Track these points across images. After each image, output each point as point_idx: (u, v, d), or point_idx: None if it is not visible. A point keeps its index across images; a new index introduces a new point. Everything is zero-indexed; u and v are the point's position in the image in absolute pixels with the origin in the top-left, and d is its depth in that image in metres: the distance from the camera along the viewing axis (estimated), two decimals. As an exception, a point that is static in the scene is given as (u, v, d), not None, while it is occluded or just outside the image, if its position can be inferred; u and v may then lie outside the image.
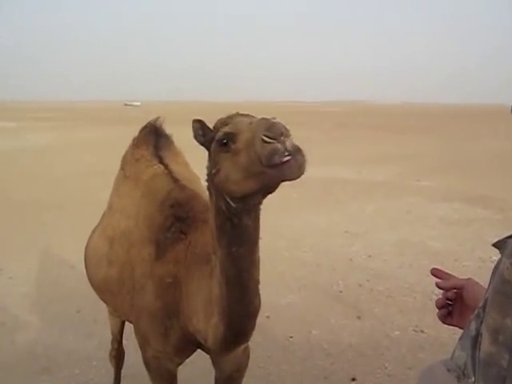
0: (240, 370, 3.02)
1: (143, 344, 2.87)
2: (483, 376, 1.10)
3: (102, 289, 3.31)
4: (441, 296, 1.68)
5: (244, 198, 2.08)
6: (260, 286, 2.36)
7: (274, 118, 1.96)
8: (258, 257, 2.30)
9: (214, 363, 3.03)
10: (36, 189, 13.19)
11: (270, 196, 2.13)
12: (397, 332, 5.37)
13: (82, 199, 11.66)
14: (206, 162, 2.28)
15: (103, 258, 3.19)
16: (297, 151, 1.84)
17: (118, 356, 4.17)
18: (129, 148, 3.52)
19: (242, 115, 2.23)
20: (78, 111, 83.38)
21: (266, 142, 1.84)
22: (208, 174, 2.24)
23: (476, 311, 1.18)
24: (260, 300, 2.39)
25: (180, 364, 2.97)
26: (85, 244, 3.63)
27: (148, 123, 3.57)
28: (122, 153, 3.58)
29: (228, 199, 2.12)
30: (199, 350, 2.88)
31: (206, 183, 2.29)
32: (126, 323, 3.75)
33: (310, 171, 1.95)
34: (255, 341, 4.74)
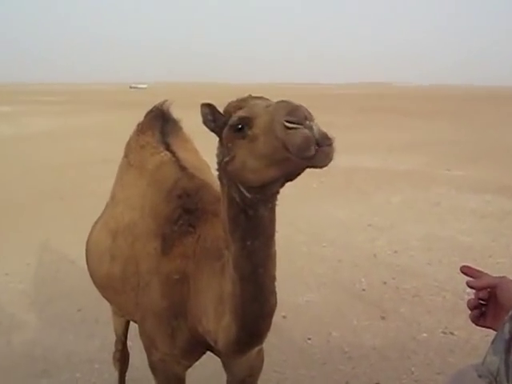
0: (253, 374, 3.02)
1: (149, 346, 2.88)
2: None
3: (105, 286, 3.32)
4: (473, 296, 1.66)
5: (262, 187, 2.07)
6: (276, 284, 2.36)
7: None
8: (275, 251, 2.29)
9: (226, 367, 3.04)
10: (34, 178, 13.27)
11: (287, 185, 2.12)
12: (424, 334, 5.34)
13: (83, 189, 11.73)
14: (217, 149, 2.27)
15: (105, 252, 3.19)
16: (325, 137, 1.83)
17: (122, 358, 4.19)
18: (133, 134, 3.52)
19: (256, 98, 2.21)
20: (79, 94, 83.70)
21: (288, 127, 1.82)
22: (219, 163, 2.23)
23: (510, 312, 1.17)
24: (276, 298, 2.39)
25: (188, 367, 2.98)
26: (86, 238, 3.64)
27: (154, 107, 3.57)
28: (127, 139, 3.59)
29: (242, 189, 2.11)
30: (209, 353, 2.88)
31: (217, 172, 2.28)
32: (131, 323, 3.76)
33: (331, 159, 1.93)
34: (270, 342, 4.74)
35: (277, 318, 2.50)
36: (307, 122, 1.82)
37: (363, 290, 6.45)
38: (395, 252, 7.77)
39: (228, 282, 2.33)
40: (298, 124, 1.81)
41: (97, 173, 12.67)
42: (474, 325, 1.67)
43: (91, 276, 3.50)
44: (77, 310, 5.92)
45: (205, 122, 2.26)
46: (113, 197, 3.48)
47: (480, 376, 1.18)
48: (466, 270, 1.71)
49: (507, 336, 1.14)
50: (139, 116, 3.63)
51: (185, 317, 2.64)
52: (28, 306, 6.12)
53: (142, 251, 2.86)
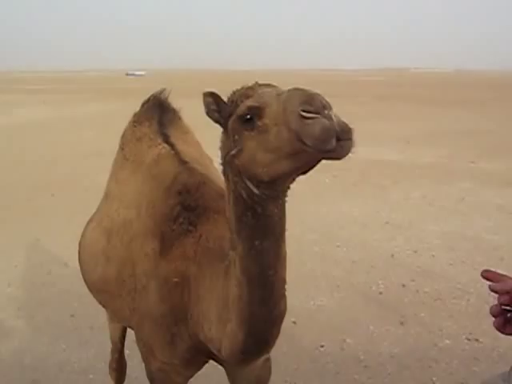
0: (260, 384, 3.03)
1: (146, 354, 2.88)
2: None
3: (99, 290, 3.32)
4: (496, 301, 1.65)
5: (272, 182, 2.06)
6: (286, 287, 2.35)
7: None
8: (285, 252, 2.29)
9: (230, 376, 3.04)
10: (23, 173, 13.32)
11: (297, 180, 2.12)
12: (447, 341, 5.33)
13: (76, 184, 11.76)
14: (220, 141, 2.26)
15: (99, 253, 3.19)
16: (345, 129, 1.81)
17: (118, 368, 4.20)
18: (129, 125, 3.52)
19: (264, 85, 2.20)
20: (72, 82, 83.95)
21: (305, 117, 1.80)
22: (224, 156, 2.22)
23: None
24: (286, 303, 2.39)
25: (190, 378, 2.97)
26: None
27: (151, 95, 3.57)
28: (123, 130, 3.59)
29: (250, 185, 2.10)
30: (212, 362, 2.88)
31: (222, 167, 2.27)
32: (129, 330, 3.76)
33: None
34: (280, 351, 4.76)
35: (286, 324, 2.50)
36: (325, 112, 1.80)
37: (380, 293, 6.45)
38: (415, 252, 7.76)
39: (234, 285, 2.32)
40: (315, 113, 1.80)
41: (91, 166, 12.72)
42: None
43: (84, 279, 3.50)
44: (69, 316, 5.93)
45: (208, 113, 2.25)
46: (107, 193, 3.48)
47: (507, 386, 1.17)
48: (487, 275, 1.69)
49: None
50: (136, 105, 3.63)
51: (185, 323, 2.64)
52: (16, 311, 6.13)
53: (138, 252, 2.86)
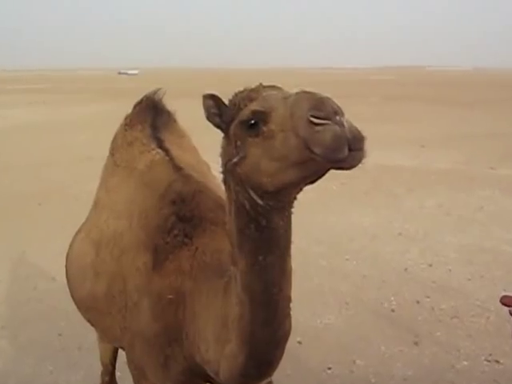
0: (262, 411, 3.02)
1: (138, 377, 2.88)
2: None
3: (87, 307, 3.32)
4: None
5: (277, 192, 2.06)
6: (291, 304, 2.34)
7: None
8: (291, 267, 2.28)
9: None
10: (8, 179, 13.32)
11: (303, 189, 2.11)
12: (465, 362, 5.32)
13: (65, 192, 11.76)
14: (220, 147, 2.26)
15: (88, 267, 3.19)
16: (357, 138, 1.80)
17: (109, 392, 4.19)
18: (120, 129, 3.53)
19: (269, 87, 2.20)
20: (61, 82, 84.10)
21: (314, 123, 1.79)
22: (225, 164, 2.21)
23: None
24: (291, 322, 2.38)
25: (185, 402, 2.96)
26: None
27: (144, 96, 3.57)
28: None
29: (253, 195, 2.10)
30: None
31: (222, 175, 2.26)
32: (120, 350, 3.75)
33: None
34: (284, 373, 4.74)
35: (291, 344, 2.49)
36: (337, 118, 1.79)
37: (392, 310, 6.43)
38: (430, 266, 7.74)
39: (234, 303, 2.32)
40: (325, 120, 1.79)
41: (81, 173, 12.72)
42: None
43: (72, 295, 3.50)
44: (57, 335, 5.92)
45: (208, 117, 2.24)
46: (96, 202, 3.48)
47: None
48: (506, 301, 1.68)
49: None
50: (128, 107, 3.63)
51: (180, 343, 2.63)
52: (0, 330, 6.12)
53: (129, 266, 2.85)
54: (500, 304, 4.98)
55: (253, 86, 2.21)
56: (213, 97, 2.23)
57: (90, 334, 4.28)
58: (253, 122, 2.03)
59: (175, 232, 2.74)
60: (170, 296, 2.64)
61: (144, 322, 2.72)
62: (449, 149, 17.46)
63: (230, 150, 2.16)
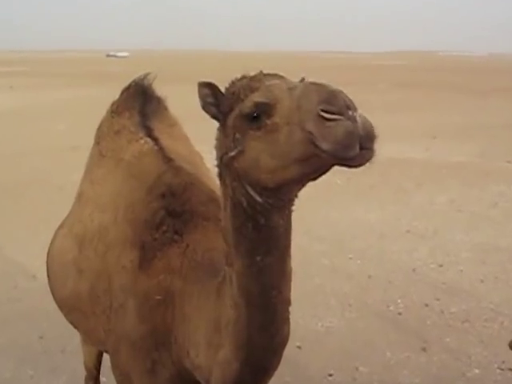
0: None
1: (123, 383, 2.87)
2: None
3: (70, 307, 3.32)
4: None
5: (277, 189, 2.06)
6: (290, 307, 2.35)
7: (303, 79, 1.91)
8: (290, 268, 2.28)
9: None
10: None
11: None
12: (476, 370, 5.33)
13: (48, 183, 11.74)
14: (216, 139, 2.26)
15: (70, 264, 3.19)
16: (369, 135, 1.80)
17: (93, 398, 4.20)
18: (106, 116, 3.53)
19: (271, 76, 2.19)
20: (44, 64, 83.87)
21: (325, 118, 1.79)
22: (221, 157, 2.21)
23: None
24: (289, 327, 2.38)
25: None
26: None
27: (133, 81, 3.56)
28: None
29: (252, 192, 2.10)
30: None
31: (217, 169, 2.26)
32: (106, 354, 3.75)
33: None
34: (282, 380, 4.74)
35: (290, 349, 2.50)
36: (349, 113, 1.79)
37: (399, 313, 6.44)
38: (440, 266, 7.75)
39: (229, 306, 2.32)
40: (337, 114, 1.78)
41: (64, 163, 12.72)
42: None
43: (53, 294, 3.50)
44: (38, 337, 5.92)
45: (204, 106, 2.24)
46: (80, 195, 3.48)
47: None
48: None
49: None
50: (116, 92, 3.63)
51: (168, 347, 2.63)
52: (-24, 331, 6.13)
53: (115, 264, 2.86)
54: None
55: (252, 74, 2.20)
56: (209, 85, 2.22)
57: (74, 337, 4.28)
58: (255, 114, 2.02)
59: (164, 228, 2.75)
60: (158, 297, 2.64)
61: (130, 324, 2.72)
62: (462, 140, 17.44)
63: (227, 143, 2.16)
